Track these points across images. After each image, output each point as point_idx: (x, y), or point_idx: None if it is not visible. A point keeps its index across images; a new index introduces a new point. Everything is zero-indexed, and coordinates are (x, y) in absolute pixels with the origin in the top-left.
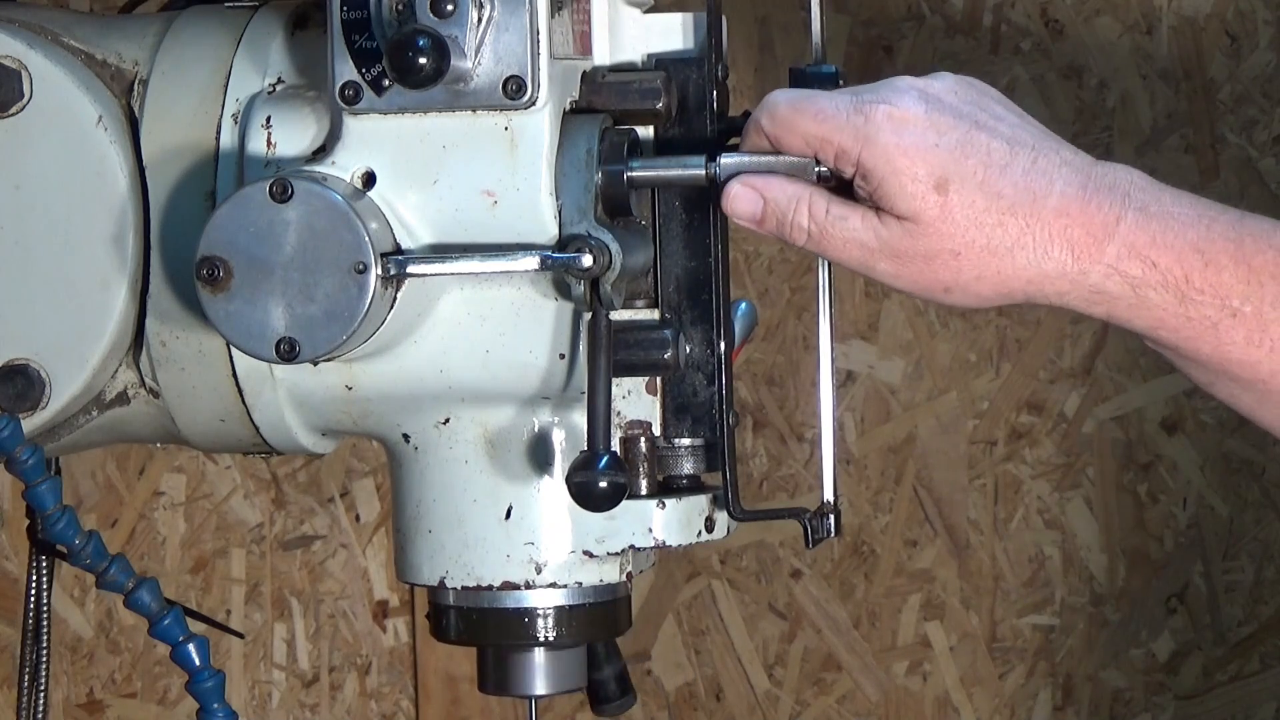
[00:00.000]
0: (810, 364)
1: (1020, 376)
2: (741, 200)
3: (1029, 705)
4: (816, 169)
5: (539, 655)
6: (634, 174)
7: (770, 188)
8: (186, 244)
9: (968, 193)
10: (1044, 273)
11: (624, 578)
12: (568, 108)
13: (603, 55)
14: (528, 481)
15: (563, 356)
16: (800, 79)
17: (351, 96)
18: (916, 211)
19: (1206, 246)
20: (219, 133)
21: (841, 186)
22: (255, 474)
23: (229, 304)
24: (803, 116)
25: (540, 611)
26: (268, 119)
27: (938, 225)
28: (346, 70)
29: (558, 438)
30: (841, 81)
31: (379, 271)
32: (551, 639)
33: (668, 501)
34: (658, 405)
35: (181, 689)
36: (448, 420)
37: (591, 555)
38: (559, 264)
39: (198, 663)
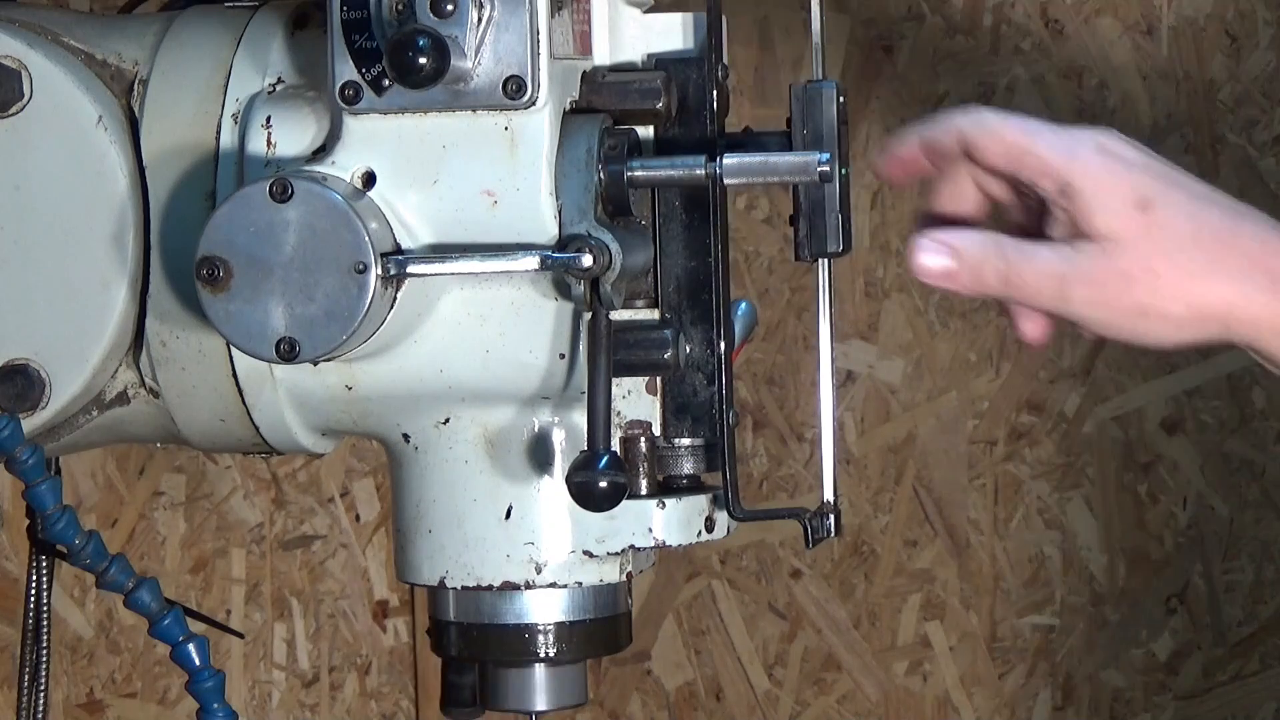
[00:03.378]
0: (810, 364)
1: (1020, 376)
2: (932, 256)
3: (1029, 705)
4: (823, 171)
5: (540, 671)
6: (634, 174)
7: (955, 240)
8: (186, 244)
9: (1170, 214)
10: (1243, 294)
11: (624, 578)
12: (568, 108)
13: (603, 55)
14: (528, 481)
15: (563, 356)
16: (801, 95)
17: (351, 96)
18: (1118, 230)
19: None
20: (219, 133)
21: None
22: (255, 474)
23: (229, 304)
24: (1009, 128)
25: (541, 627)
26: (268, 119)
27: (1139, 243)
28: (346, 70)
29: (558, 438)
30: (842, 97)
31: (379, 271)
32: (552, 655)
33: (668, 501)
34: (658, 405)
35: (181, 689)
36: (448, 420)
37: (591, 555)
38: (559, 264)
39: (198, 663)
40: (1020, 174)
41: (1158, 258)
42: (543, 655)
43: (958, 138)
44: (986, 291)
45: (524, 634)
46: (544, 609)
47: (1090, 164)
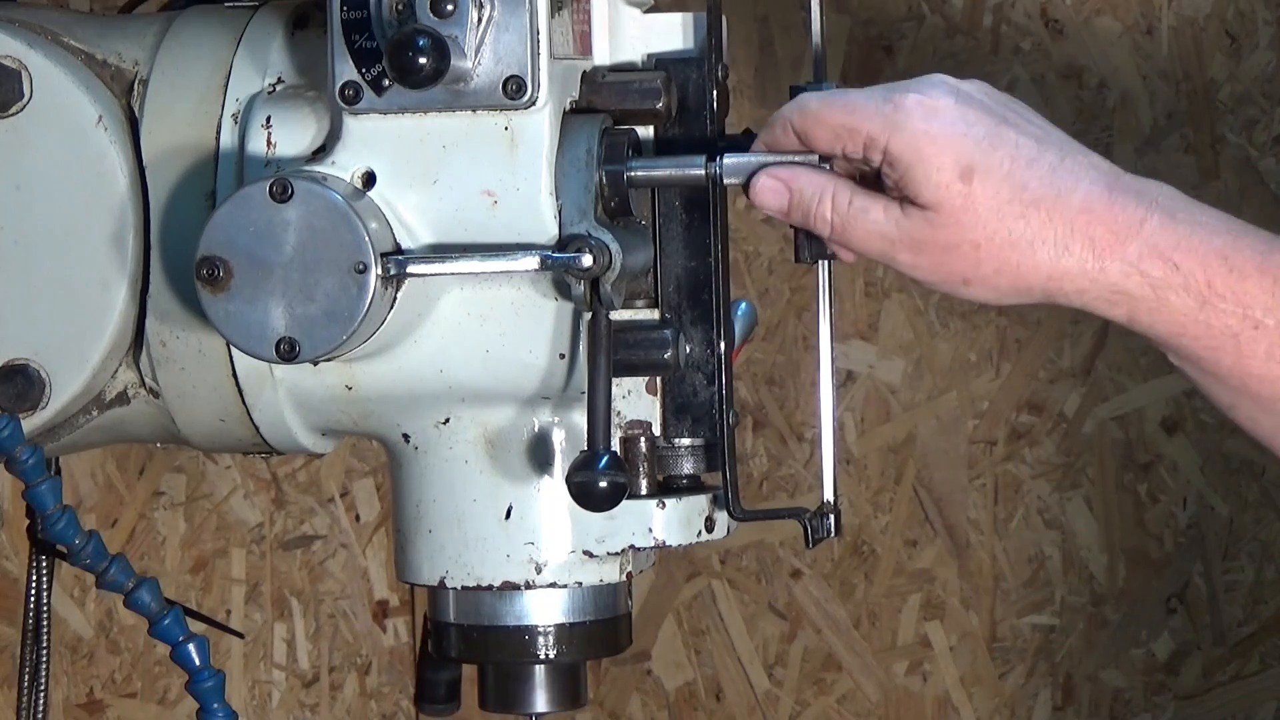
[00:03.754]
0: (810, 364)
1: (1020, 376)
2: (768, 192)
3: (1029, 705)
4: (820, 166)
5: (539, 672)
6: (634, 174)
7: (796, 179)
8: (186, 244)
9: (992, 184)
10: (1063, 269)
11: (624, 578)
12: (568, 108)
13: (603, 55)
14: (528, 481)
15: (563, 356)
16: None
17: (351, 96)
18: (940, 200)
19: (1232, 254)
20: (219, 133)
21: (866, 180)
22: (255, 474)
23: (229, 304)
24: (832, 109)
25: (541, 629)
26: (268, 119)
27: (960, 215)
28: (346, 70)
29: (558, 438)
30: None
31: (379, 271)
32: (553, 656)
33: (668, 501)
34: (658, 405)
35: (181, 689)
36: (448, 420)
37: (591, 555)
38: (559, 264)
39: (198, 663)
40: (850, 153)
41: (978, 230)
42: (543, 657)
43: (793, 132)
44: (817, 233)
45: (524, 635)
46: (544, 610)
47: (913, 134)
